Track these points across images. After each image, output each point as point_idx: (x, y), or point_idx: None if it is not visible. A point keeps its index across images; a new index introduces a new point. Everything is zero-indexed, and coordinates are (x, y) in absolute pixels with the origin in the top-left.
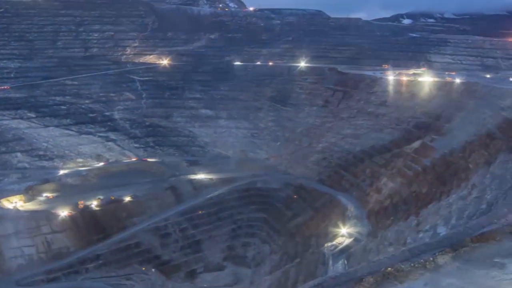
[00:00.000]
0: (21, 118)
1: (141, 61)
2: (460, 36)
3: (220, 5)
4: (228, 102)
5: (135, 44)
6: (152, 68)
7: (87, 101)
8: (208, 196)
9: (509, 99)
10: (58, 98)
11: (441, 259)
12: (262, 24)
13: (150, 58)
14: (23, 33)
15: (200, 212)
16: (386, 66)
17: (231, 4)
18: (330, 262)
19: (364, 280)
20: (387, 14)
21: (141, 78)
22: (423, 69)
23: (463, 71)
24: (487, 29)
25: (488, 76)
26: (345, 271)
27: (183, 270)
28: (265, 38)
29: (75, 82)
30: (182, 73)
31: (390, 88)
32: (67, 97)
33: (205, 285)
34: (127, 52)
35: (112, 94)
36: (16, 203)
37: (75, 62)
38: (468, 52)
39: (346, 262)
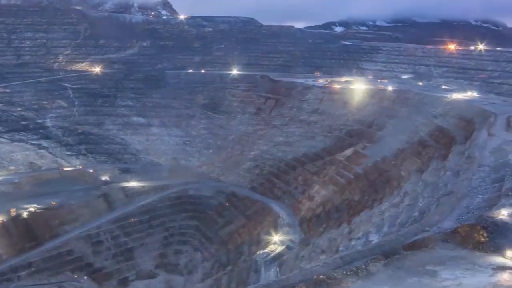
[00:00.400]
0: None
1: (73, 68)
2: (392, 44)
3: (152, 13)
4: (160, 109)
5: (68, 52)
6: (84, 76)
7: (19, 109)
8: (140, 203)
9: (441, 106)
10: None
11: (373, 267)
12: (194, 32)
13: (83, 66)
14: None
15: (132, 219)
16: (318, 74)
17: (163, 12)
18: (262, 270)
19: (296, 287)
20: (320, 21)
21: (74, 86)
22: (357, 77)
23: (395, 79)
24: (419, 37)
25: (420, 83)
26: (277, 279)
27: (115, 277)
28: (197, 45)
29: (7, 90)
30: (114, 80)
31: (322, 95)
32: None
33: None
34: (59, 60)
35: (44, 102)
36: None
37: (7, 69)
38: (400, 60)
39: (278, 269)
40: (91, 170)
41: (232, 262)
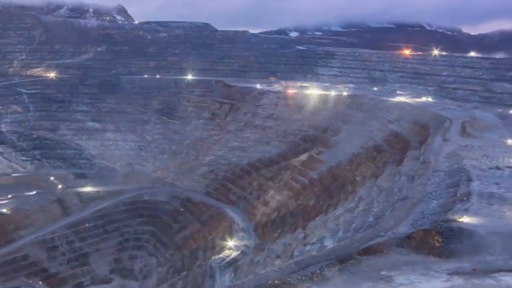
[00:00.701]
0: None
1: (28, 73)
2: (347, 49)
3: (108, 18)
4: (115, 114)
5: (22, 57)
6: (39, 81)
7: None
8: (95, 209)
9: (396, 111)
10: None
11: (328, 272)
12: (149, 37)
13: (38, 71)
14: None
15: (87, 225)
16: (273, 79)
17: (118, 17)
18: (217, 275)
19: None
20: (275, 27)
21: (28, 91)
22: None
23: (350, 84)
24: (374, 42)
25: (375, 89)
26: (232, 284)
27: (70, 283)
28: (152, 51)
29: None
30: (69, 85)
31: (277, 101)
32: None
33: None
34: (14, 65)
35: None
36: None
37: None
38: (356, 65)
39: (233, 275)
40: (50, 176)
41: (187, 267)
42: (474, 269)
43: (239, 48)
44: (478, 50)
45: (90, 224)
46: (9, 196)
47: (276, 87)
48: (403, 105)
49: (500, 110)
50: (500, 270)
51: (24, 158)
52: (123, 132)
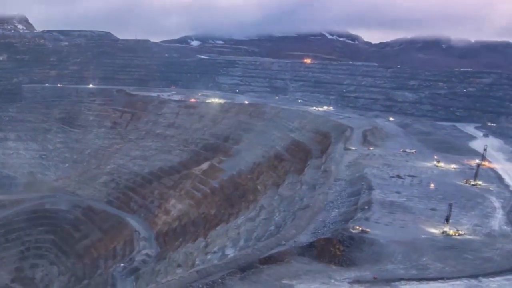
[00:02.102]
0: None
1: None
2: (249, 58)
3: (9, 27)
4: (16, 123)
5: None
6: None
7: None
8: None
9: (297, 120)
10: None
11: (230, 281)
12: (50, 46)
13: None
14: None
15: None
16: (174, 88)
17: (20, 26)
18: (118, 284)
19: None
20: (176, 36)
21: None
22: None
23: (251, 93)
24: (275, 51)
25: (276, 97)
26: None
27: None
28: (54, 59)
29: None
30: None
31: (179, 110)
32: None
33: None
34: None
35: None
36: None
37: None
38: (257, 74)
39: (134, 283)
40: None
41: (88, 276)
42: (375, 278)
43: (140, 57)
44: (378, 59)
45: None
46: None
47: (177, 96)
48: (304, 114)
49: (409, 120)
50: (401, 279)
51: None
52: (24, 141)
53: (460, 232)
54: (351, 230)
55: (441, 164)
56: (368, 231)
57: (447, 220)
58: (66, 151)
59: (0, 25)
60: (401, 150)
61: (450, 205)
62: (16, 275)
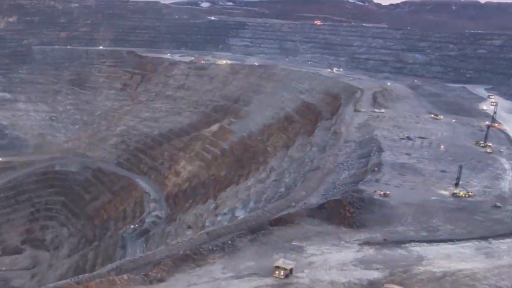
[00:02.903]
0: None
1: None
2: (259, 20)
3: None
4: (26, 85)
5: None
6: None
7: None
8: (6, 179)
9: (307, 82)
10: None
11: (240, 242)
12: (60, 8)
13: None
14: None
15: None
16: (184, 49)
17: None
18: (129, 245)
19: (162, 263)
20: None
21: None
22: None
23: (262, 54)
24: (286, 12)
25: (286, 59)
26: (143, 254)
27: None
28: (64, 21)
29: None
30: None
31: (189, 71)
32: None
33: (3, 269)
34: None
35: None
36: None
37: None
38: (267, 36)
39: (144, 245)
40: None
41: (98, 238)
42: (385, 239)
43: (150, 18)
44: (389, 20)
45: (1, 195)
46: None
47: (188, 57)
48: (315, 75)
49: (416, 81)
50: (411, 241)
51: None
52: (34, 103)
53: (470, 193)
54: (362, 191)
55: (441, 117)
56: (389, 194)
57: (457, 182)
58: (76, 112)
59: None
60: (412, 111)
61: (460, 167)
62: (26, 236)
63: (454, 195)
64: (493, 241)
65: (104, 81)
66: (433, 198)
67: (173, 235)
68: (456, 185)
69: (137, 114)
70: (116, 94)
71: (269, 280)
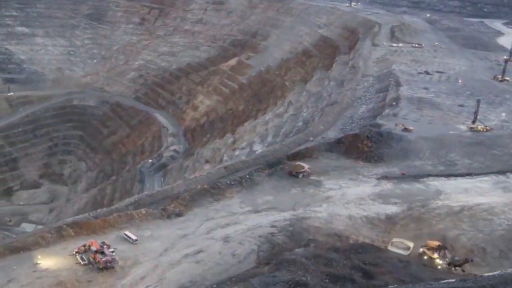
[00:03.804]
0: None
1: None
2: None
3: None
4: (44, 19)
5: None
6: None
7: None
8: (25, 113)
9: (325, 16)
10: None
11: (257, 177)
12: None
13: None
14: None
15: (16, 130)
16: None
17: None
18: (146, 180)
19: (180, 197)
20: None
21: None
22: None
23: None
24: None
25: None
26: (161, 189)
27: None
28: None
29: None
30: None
31: (206, 6)
32: None
33: (21, 203)
34: None
35: None
36: None
37: None
38: None
39: (162, 179)
40: None
41: (116, 172)
42: (403, 174)
43: None
44: None
45: (19, 129)
46: None
47: None
48: (333, 10)
49: (428, 15)
50: (429, 175)
51: None
52: (52, 37)
53: (488, 128)
54: (379, 126)
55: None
56: (412, 129)
57: (475, 116)
58: (94, 47)
59: None
60: (430, 45)
61: (478, 101)
62: (44, 171)
63: (472, 129)
64: (511, 175)
65: (122, 16)
66: (451, 132)
67: (191, 170)
68: (474, 119)
69: (155, 49)
70: (134, 28)
71: (287, 215)
